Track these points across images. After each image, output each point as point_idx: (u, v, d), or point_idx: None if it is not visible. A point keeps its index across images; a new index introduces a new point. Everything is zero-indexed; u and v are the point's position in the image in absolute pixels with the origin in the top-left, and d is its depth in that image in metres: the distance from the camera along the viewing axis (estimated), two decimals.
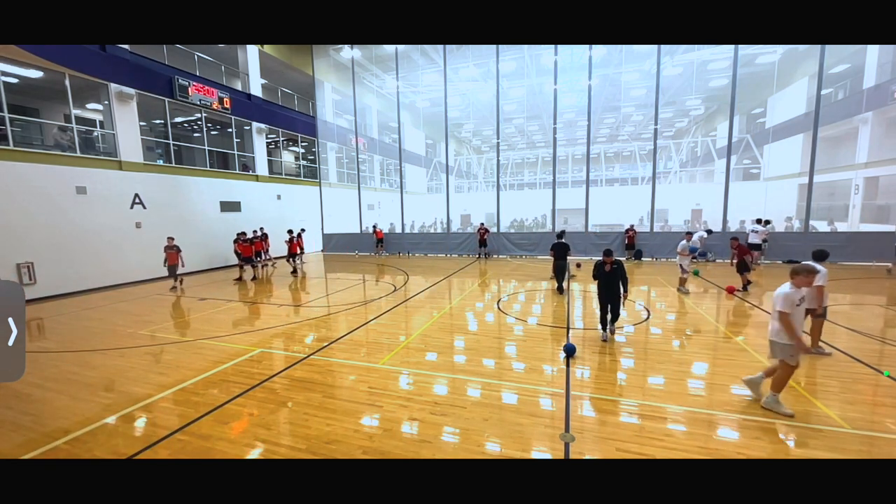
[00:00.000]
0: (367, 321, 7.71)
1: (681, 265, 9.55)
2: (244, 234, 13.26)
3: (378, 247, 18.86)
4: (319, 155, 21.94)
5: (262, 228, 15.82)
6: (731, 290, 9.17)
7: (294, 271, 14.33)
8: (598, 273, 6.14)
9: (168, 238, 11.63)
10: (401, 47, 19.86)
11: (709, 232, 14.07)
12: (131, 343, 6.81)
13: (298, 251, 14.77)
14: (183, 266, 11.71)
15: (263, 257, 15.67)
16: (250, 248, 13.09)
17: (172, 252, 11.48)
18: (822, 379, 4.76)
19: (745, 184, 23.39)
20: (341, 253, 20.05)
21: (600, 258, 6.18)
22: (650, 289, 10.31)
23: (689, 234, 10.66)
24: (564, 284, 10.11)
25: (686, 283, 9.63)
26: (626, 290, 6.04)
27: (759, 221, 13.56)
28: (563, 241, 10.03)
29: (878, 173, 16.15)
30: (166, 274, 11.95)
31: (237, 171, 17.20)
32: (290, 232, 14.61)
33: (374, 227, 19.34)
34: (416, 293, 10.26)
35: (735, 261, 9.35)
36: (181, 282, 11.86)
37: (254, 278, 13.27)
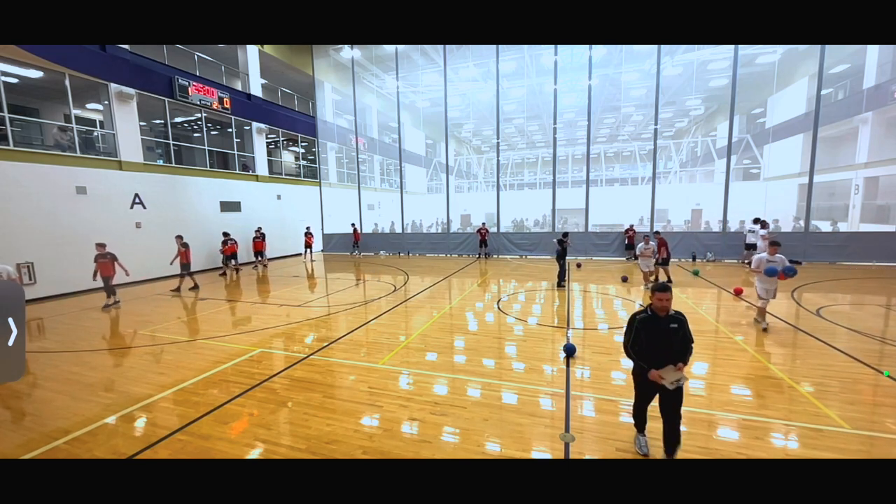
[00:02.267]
0: (367, 321, 7.72)
1: (759, 289, 6.80)
2: (180, 236, 11.32)
3: (354, 247, 19.31)
4: (319, 155, 21.95)
5: (259, 229, 15.96)
6: (738, 292, 9.14)
7: (223, 273, 14.33)
8: (644, 328, 3.20)
9: (98, 245, 9.38)
10: (401, 47, 19.86)
11: (757, 222, 13.45)
12: (131, 343, 6.81)
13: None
14: (115, 274, 9.44)
15: (264, 257, 15.90)
16: (187, 254, 11.12)
17: (105, 262, 9.25)
18: (822, 379, 4.76)
19: (745, 184, 23.39)
20: (342, 253, 20.05)
21: (643, 308, 3.30)
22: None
23: (774, 246, 7.13)
24: (564, 283, 10.59)
25: (765, 315, 6.77)
26: (685, 360, 3.22)
27: (756, 221, 13.56)
28: (557, 239, 10.85)
29: (878, 173, 16.15)
30: (121, 281, 9.65)
31: (237, 171, 17.20)
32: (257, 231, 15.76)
33: (353, 227, 19.64)
34: (416, 293, 10.26)
35: (663, 256, 10.14)
36: (115, 295, 9.60)
37: (191, 287, 11.51)
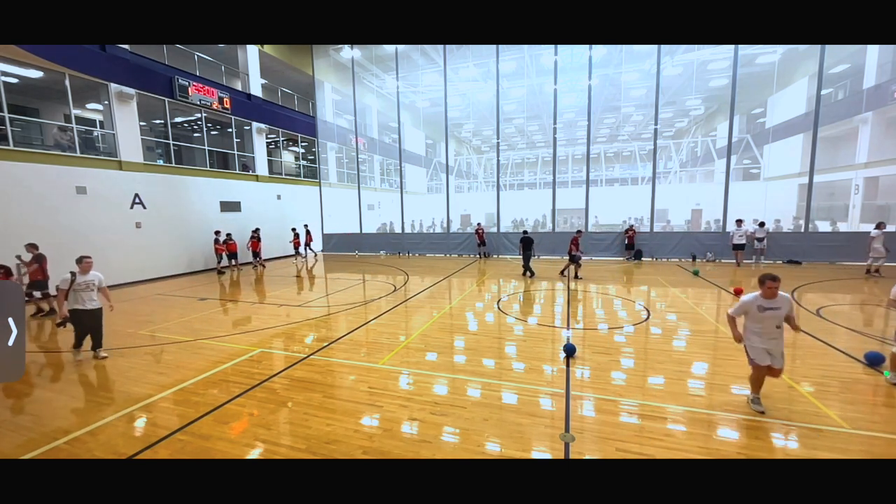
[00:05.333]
0: (367, 321, 7.72)
1: None
2: (34, 245, 8.83)
3: (307, 249, 18.68)
4: (319, 155, 21.95)
5: (257, 230, 15.95)
6: (738, 292, 9.16)
7: (220, 272, 14.54)
8: None
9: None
10: (401, 47, 19.86)
11: (740, 223, 13.66)
12: (131, 343, 6.81)
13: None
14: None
15: (261, 257, 16.02)
16: (42, 269, 8.52)
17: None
18: (823, 379, 4.76)
19: (745, 184, 23.38)
20: (342, 253, 20.06)
21: None
22: (650, 289, 10.31)
23: None
24: (564, 284, 10.81)
25: None
26: None
27: (739, 223, 13.57)
28: (528, 235, 12.55)
29: (878, 173, 16.15)
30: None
31: (237, 171, 17.20)
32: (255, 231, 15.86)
33: (306, 227, 18.67)
34: (416, 293, 10.26)
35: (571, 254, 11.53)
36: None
37: (38, 314, 8.84)
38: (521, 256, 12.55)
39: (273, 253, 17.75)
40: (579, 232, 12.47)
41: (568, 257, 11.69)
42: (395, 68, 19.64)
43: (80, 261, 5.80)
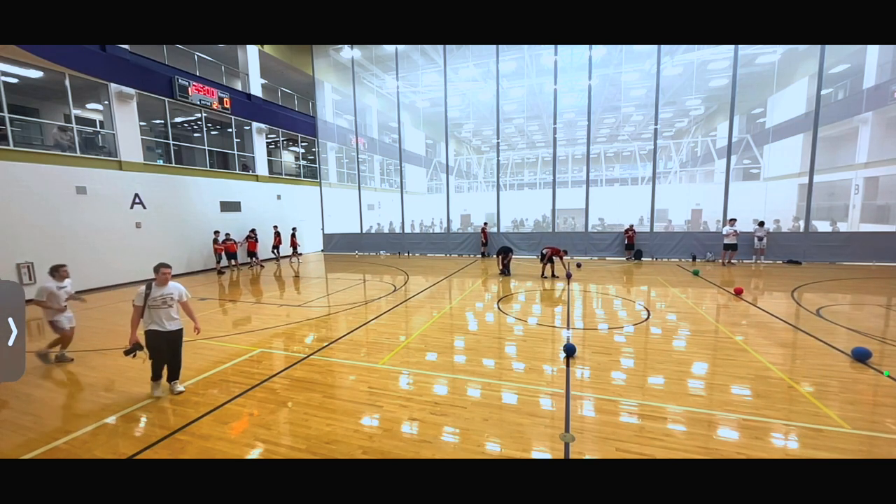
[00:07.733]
0: (367, 321, 7.72)
1: None
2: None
3: (276, 251, 17.13)
4: (319, 155, 21.96)
5: (254, 231, 15.91)
6: (738, 292, 9.18)
7: (220, 272, 14.64)
8: None
9: None
10: (401, 47, 19.86)
11: (733, 223, 13.68)
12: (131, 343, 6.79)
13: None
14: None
15: (258, 257, 16.07)
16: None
17: None
18: (822, 379, 4.76)
19: (745, 184, 23.36)
20: (342, 253, 20.06)
21: None
22: (650, 289, 10.31)
23: None
24: (564, 284, 10.93)
25: None
26: None
27: (731, 222, 13.58)
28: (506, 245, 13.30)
29: (878, 173, 16.14)
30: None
31: (237, 171, 17.20)
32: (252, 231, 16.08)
33: (276, 229, 17.15)
34: (416, 293, 10.26)
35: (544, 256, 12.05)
36: None
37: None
38: (523, 257, 12.56)
39: (273, 253, 17.72)
40: (565, 251, 12.51)
41: (539, 256, 12.39)
42: (395, 68, 19.64)
43: (156, 270, 4.59)
